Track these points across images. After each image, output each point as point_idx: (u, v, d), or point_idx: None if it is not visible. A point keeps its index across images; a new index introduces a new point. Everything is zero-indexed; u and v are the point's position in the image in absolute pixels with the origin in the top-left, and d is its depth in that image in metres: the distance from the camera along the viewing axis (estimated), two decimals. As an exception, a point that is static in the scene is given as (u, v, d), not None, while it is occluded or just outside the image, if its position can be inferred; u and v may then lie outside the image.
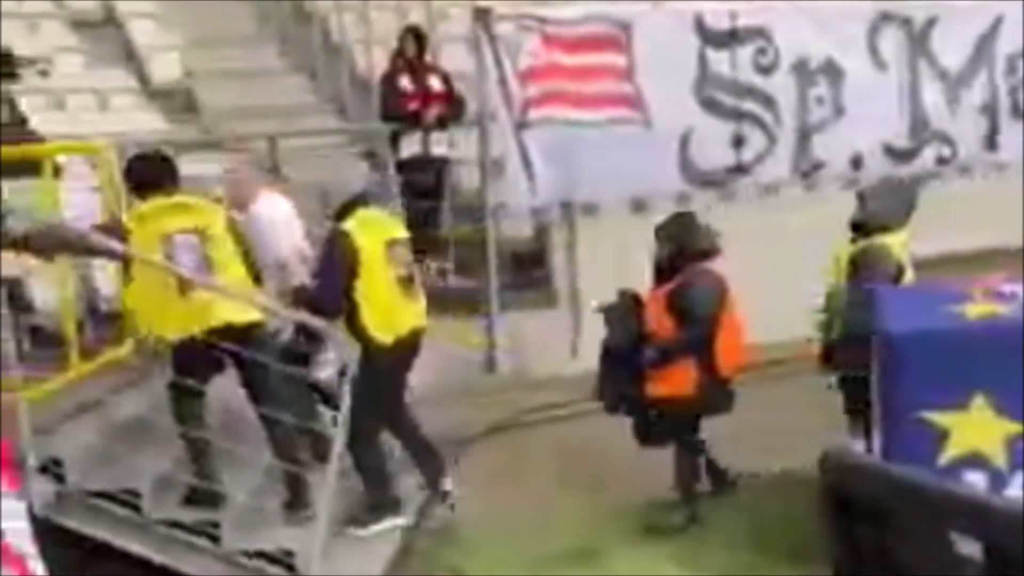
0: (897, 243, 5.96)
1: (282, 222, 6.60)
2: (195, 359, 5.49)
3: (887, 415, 5.05)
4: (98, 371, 6.20)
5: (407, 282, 6.00)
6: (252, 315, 5.51)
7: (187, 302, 5.38)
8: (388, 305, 5.83)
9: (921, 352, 4.92)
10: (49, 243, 5.47)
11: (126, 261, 5.57)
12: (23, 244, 5.44)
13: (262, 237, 6.21)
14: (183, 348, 5.46)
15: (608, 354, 6.18)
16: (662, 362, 5.90)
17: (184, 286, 5.37)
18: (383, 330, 5.75)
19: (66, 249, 5.68)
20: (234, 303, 5.46)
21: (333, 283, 5.77)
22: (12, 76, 7.06)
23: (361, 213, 5.99)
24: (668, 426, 6.02)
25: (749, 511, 6.22)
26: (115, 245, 5.38)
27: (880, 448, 5.19)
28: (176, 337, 5.43)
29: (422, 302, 6.13)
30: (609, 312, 6.28)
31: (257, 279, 5.84)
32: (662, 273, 6.11)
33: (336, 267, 5.78)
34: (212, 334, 5.40)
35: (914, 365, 4.92)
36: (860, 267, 5.88)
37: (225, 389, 6.14)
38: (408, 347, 5.98)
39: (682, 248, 6.07)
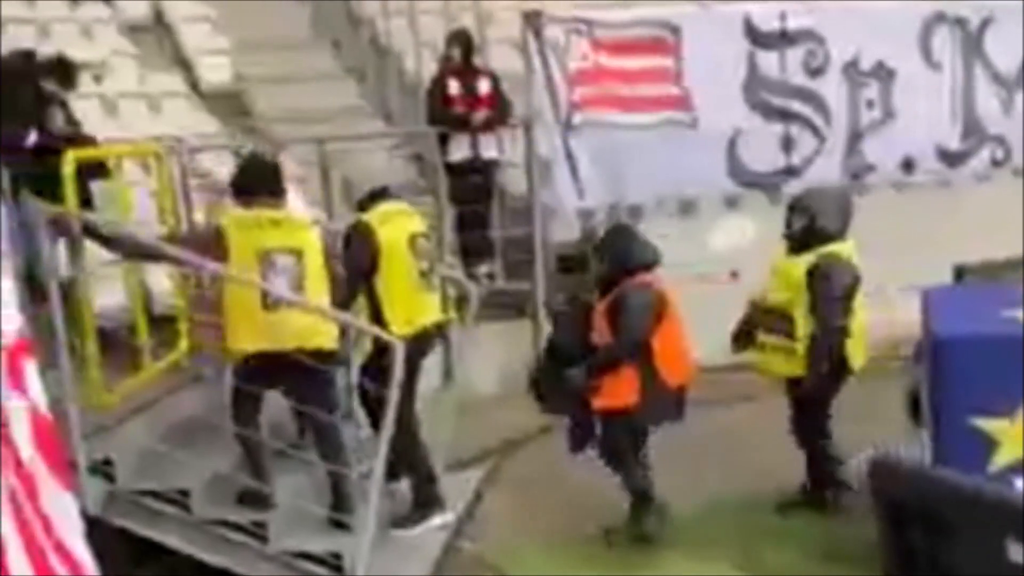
0: (847, 251, 6.01)
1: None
2: (267, 374, 5.49)
3: (937, 421, 4.99)
4: (155, 372, 6.26)
5: (427, 276, 6.01)
6: (331, 339, 5.49)
7: (271, 318, 5.37)
8: (408, 299, 5.83)
9: (972, 357, 4.85)
10: (143, 252, 5.65)
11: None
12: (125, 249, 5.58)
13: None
14: (258, 361, 5.45)
15: (553, 353, 6.18)
16: (597, 372, 5.87)
17: (267, 302, 5.36)
18: (401, 324, 5.74)
19: (159, 259, 5.76)
20: (316, 326, 5.44)
21: (351, 274, 5.76)
22: (69, 81, 7.13)
23: (384, 206, 5.99)
24: (612, 438, 5.97)
25: (801, 517, 6.18)
26: (210, 265, 5.40)
27: (931, 454, 5.13)
28: (254, 349, 5.41)
29: (438, 297, 6.16)
30: (559, 316, 6.31)
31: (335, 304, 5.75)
32: (605, 287, 6.05)
33: (356, 258, 5.78)
34: (289, 353, 5.37)
35: (965, 370, 4.84)
36: (818, 278, 5.90)
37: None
38: (423, 341, 5.97)
39: (619, 262, 6.02)
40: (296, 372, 5.37)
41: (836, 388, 6.12)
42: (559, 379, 5.98)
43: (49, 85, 6.99)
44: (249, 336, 5.39)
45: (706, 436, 6.81)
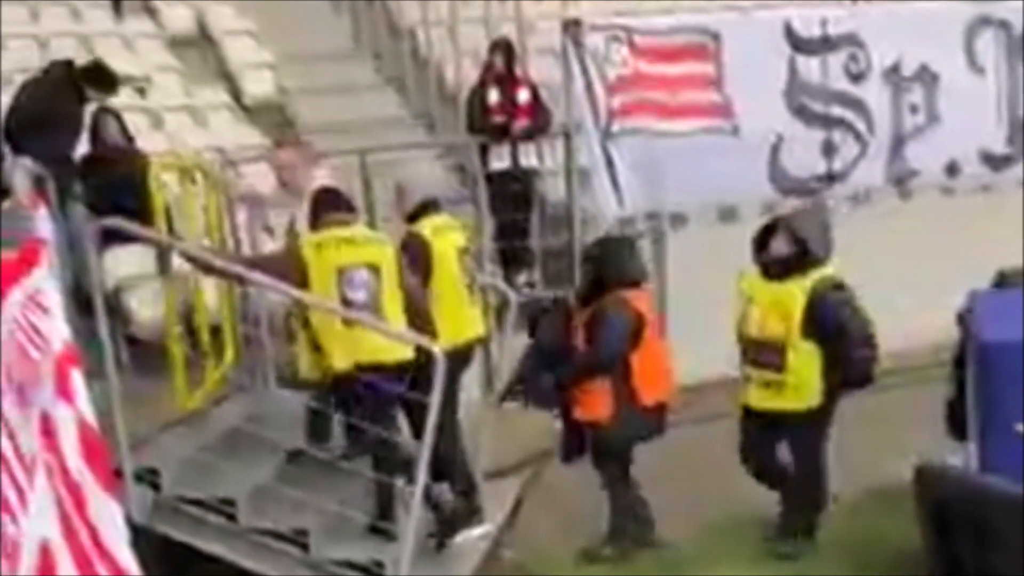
0: (837, 273, 5.84)
1: None
2: (346, 392, 5.54)
3: (984, 427, 4.94)
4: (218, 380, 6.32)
5: (471, 289, 6.07)
6: (407, 353, 5.53)
7: (350, 335, 5.43)
8: (455, 311, 5.89)
9: (1019, 361, 4.79)
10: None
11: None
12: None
13: None
14: (339, 379, 5.50)
15: (539, 352, 6.20)
16: (571, 381, 5.91)
17: (348, 319, 5.43)
18: (448, 335, 5.78)
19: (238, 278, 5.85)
20: (393, 341, 5.49)
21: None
22: (109, 86, 7.18)
23: (434, 219, 6.06)
24: (595, 450, 6.00)
25: (847, 526, 6.13)
26: (291, 290, 5.47)
27: (977, 460, 5.08)
28: (337, 367, 5.46)
29: (479, 310, 6.26)
30: (542, 315, 6.33)
31: (414, 313, 5.78)
32: (585, 298, 6.05)
33: (412, 270, 5.82)
34: (367, 369, 5.43)
35: (1012, 375, 4.79)
36: (836, 305, 5.65)
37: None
38: (466, 352, 6.07)
39: (602, 275, 6.00)
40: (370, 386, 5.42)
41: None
42: (539, 377, 6.05)
43: (92, 93, 7.08)
44: (337, 354, 5.44)
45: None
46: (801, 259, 5.73)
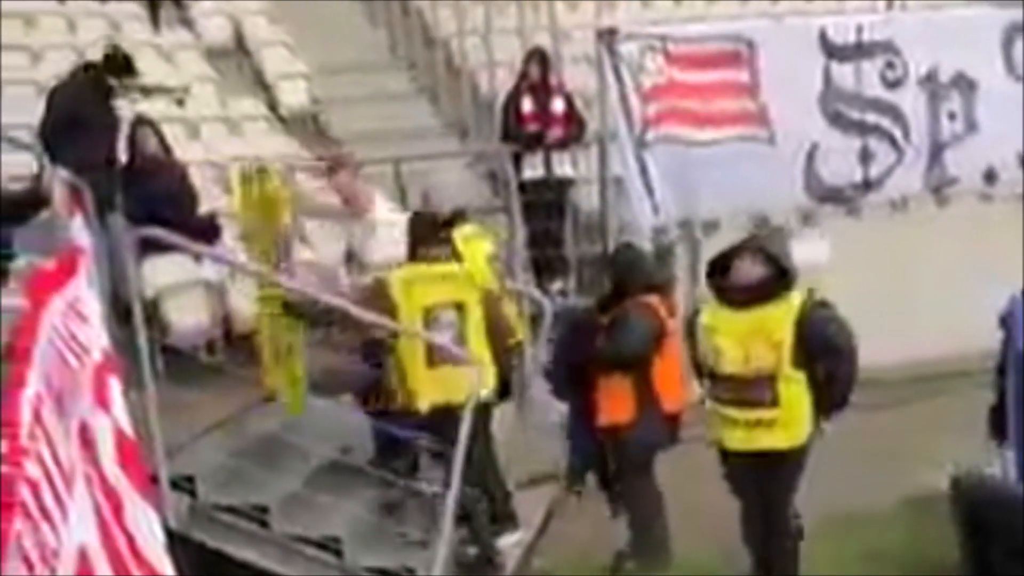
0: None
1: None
2: (433, 429, 5.58)
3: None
4: (234, 390, 6.36)
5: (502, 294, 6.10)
6: (490, 390, 5.58)
7: (437, 375, 5.48)
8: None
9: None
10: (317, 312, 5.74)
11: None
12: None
13: (386, 242, 6.15)
14: (430, 416, 5.54)
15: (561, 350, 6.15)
16: (591, 376, 5.77)
17: (432, 359, 5.47)
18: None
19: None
20: (473, 382, 5.51)
21: None
22: (129, 71, 7.26)
23: (466, 228, 6.08)
24: (618, 462, 5.90)
25: (884, 535, 6.08)
26: (386, 323, 5.51)
27: (1018, 469, 5.02)
28: (426, 407, 5.50)
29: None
30: (572, 319, 6.28)
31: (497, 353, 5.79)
32: (606, 304, 5.96)
33: None
34: (449, 409, 5.45)
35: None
36: (815, 324, 5.18)
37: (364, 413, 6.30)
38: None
39: (625, 280, 5.93)
40: (451, 425, 5.43)
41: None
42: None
43: (116, 81, 7.14)
44: (419, 393, 5.49)
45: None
46: (780, 281, 5.26)
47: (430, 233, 5.73)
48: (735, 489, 5.52)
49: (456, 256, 5.81)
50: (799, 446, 5.27)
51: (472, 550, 5.73)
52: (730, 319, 5.25)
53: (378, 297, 5.54)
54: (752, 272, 5.24)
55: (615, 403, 5.82)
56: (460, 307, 5.55)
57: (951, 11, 9.17)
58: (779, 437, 5.22)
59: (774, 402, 5.19)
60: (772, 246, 5.46)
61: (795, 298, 5.25)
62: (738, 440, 5.30)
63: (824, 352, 5.25)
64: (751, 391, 5.20)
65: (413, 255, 5.71)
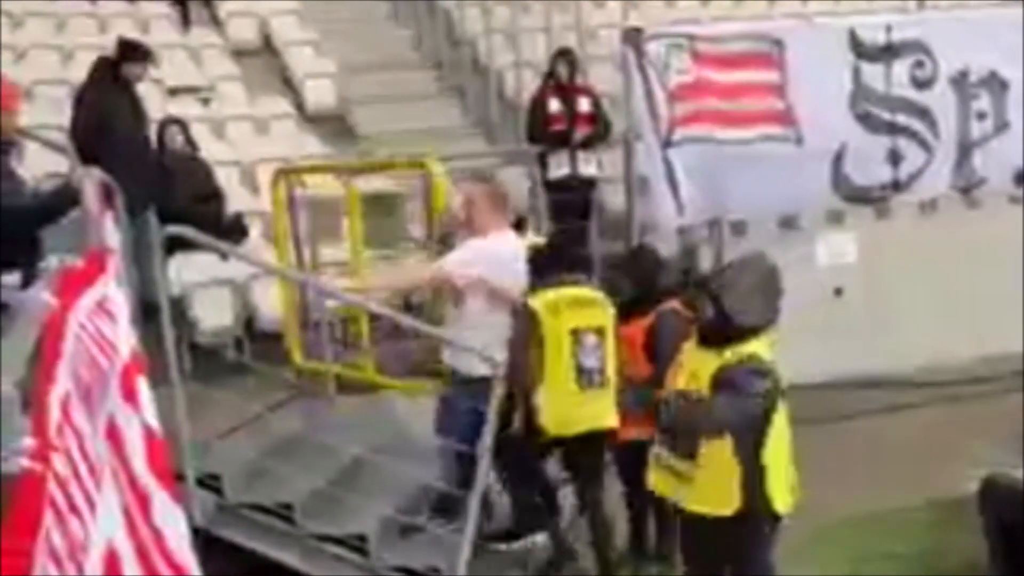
0: (765, 348, 4.47)
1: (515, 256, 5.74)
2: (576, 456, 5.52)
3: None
4: (257, 388, 6.39)
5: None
6: (615, 421, 5.51)
7: (585, 398, 5.41)
8: None
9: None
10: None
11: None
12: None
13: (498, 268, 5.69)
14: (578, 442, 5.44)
15: None
16: (643, 407, 5.22)
17: (584, 385, 5.40)
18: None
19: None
20: (612, 405, 5.48)
21: None
22: (142, 56, 7.34)
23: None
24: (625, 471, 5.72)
25: (912, 538, 6.04)
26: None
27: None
28: (570, 434, 5.39)
29: None
30: None
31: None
32: (629, 311, 5.67)
33: None
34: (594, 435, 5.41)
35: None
36: (726, 386, 4.26)
37: (391, 412, 6.28)
38: None
39: (650, 285, 5.78)
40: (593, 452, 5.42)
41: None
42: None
43: (131, 69, 7.18)
44: (564, 419, 5.37)
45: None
46: (725, 328, 4.41)
47: (565, 261, 5.61)
48: None
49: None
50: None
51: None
52: (691, 355, 4.58)
53: (530, 325, 5.37)
54: (705, 311, 4.52)
55: (640, 417, 5.43)
56: (600, 331, 5.47)
57: (982, 10, 9.09)
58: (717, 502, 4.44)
59: (691, 455, 4.46)
60: (721, 284, 4.52)
61: (732, 350, 4.39)
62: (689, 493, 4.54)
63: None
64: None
65: (543, 277, 5.52)
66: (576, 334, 5.41)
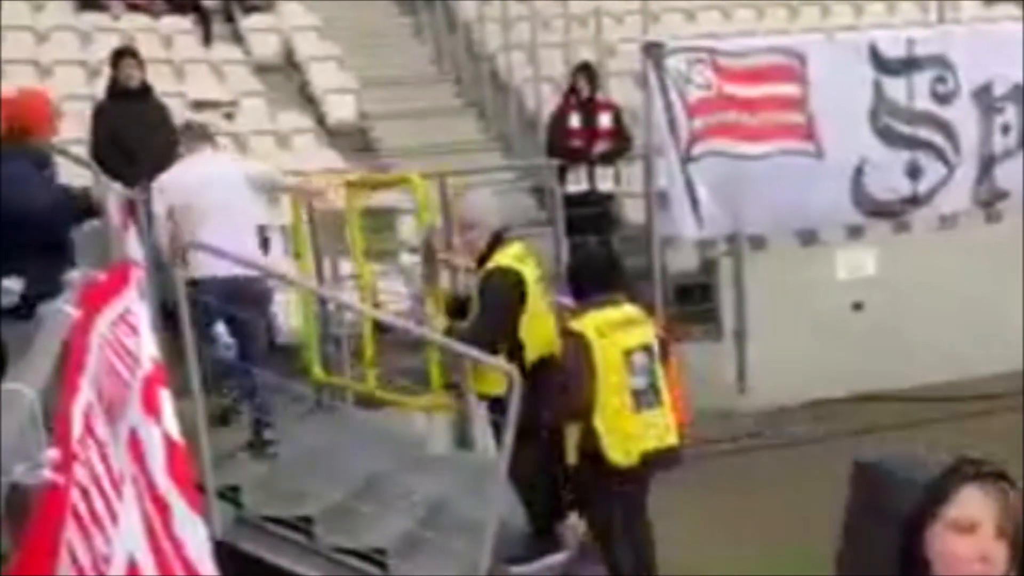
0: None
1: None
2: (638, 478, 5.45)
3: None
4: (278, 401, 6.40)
5: (550, 308, 5.97)
6: (675, 439, 5.53)
7: (641, 420, 5.35)
8: (549, 343, 5.64)
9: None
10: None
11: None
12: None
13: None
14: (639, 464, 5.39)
15: None
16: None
17: (638, 406, 5.33)
18: (535, 348, 5.58)
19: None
20: (671, 424, 5.46)
21: (499, 314, 5.56)
22: (128, 53, 7.66)
23: (515, 246, 5.91)
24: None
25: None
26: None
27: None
28: (628, 464, 5.32)
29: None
30: None
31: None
32: None
33: (507, 298, 5.55)
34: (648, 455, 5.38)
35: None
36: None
37: (412, 426, 6.29)
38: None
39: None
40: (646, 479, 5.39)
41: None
42: None
43: (125, 73, 7.43)
44: (624, 445, 5.27)
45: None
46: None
47: (602, 279, 5.51)
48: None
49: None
50: None
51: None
52: None
53: (581, 351, 5.25)
54: None
55: None
56: (648, 349, 5.41)
57: (1004, 24, 9.06)
58: None
59: None
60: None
61: None
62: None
63: None
64: None
65: (585, 297, 5.47)
66: (629, 354, 5.30)
